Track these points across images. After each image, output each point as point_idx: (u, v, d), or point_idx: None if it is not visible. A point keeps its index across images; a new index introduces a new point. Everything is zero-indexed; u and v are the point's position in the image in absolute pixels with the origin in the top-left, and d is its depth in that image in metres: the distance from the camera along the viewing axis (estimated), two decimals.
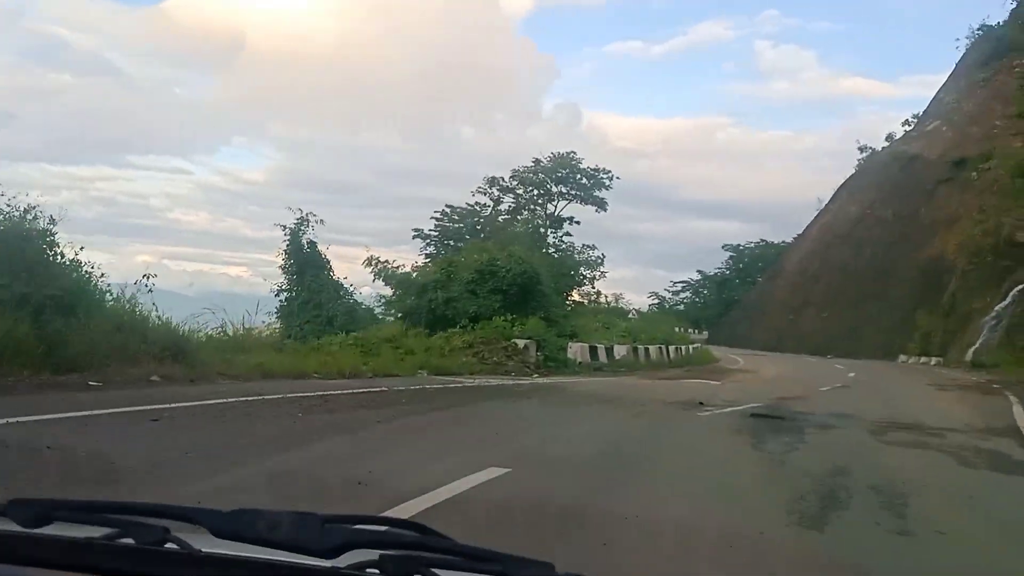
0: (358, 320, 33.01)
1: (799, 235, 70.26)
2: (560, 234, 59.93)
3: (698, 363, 28.57)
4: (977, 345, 42.55)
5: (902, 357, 45.35)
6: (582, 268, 61.25)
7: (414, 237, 55.34)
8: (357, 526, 1.21)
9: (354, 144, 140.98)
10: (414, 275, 40.26)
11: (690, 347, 31.47)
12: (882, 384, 21.66)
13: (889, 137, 67.32)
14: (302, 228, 33.27)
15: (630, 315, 54.69)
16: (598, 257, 61.09)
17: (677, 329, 56.73)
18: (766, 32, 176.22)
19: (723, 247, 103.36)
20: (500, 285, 38.42)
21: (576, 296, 59.88)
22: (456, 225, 58.27)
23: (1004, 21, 61.89)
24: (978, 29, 63.92)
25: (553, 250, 59.56)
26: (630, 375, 18.67)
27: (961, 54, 65.41)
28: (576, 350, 18.86)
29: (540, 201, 61.10)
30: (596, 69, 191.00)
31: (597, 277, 62.47)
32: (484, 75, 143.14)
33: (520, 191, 61.10)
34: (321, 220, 33.20)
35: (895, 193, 57.91)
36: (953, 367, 38.96)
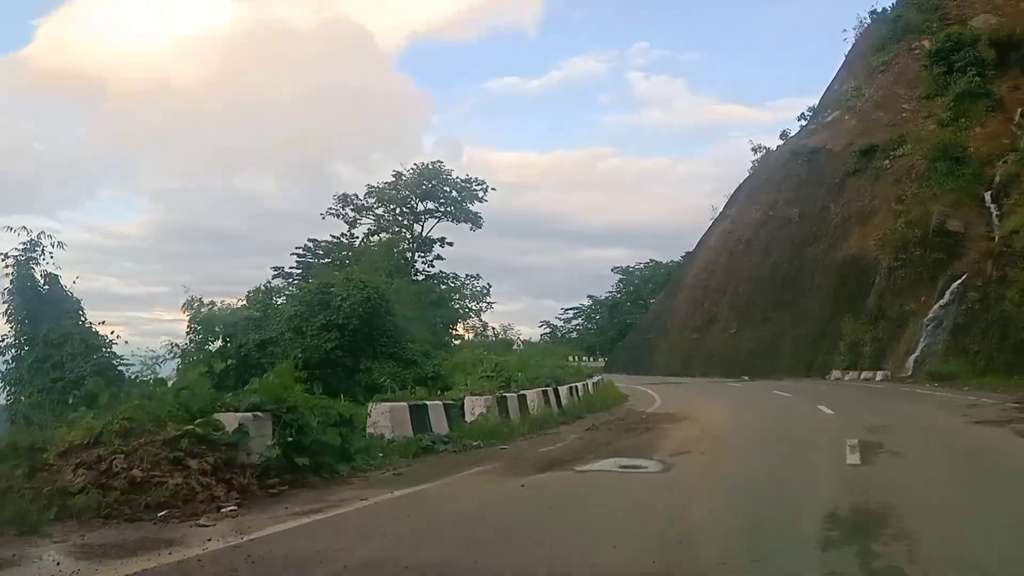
0: (119, 384, 22.48)
1: (698, 243, 63.89)
2: (430, 258, 51.20)
3: (602, 406, 20.37)
4: (917, 353, 36.20)
5: (835, 373, 38.55)
6: (467, 300, 53.16)
7: (274, 277, 45.59)
8: None
9: (231, 189, 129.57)
10: (224, 312, 30.70)
11: (588, 383, 23.11)
12: (940, 440, 12.77)
13: (784, 135, 62.12)
14: (33, 258, 23.40)
15: (515, 347, 46.58)
16: (483, 287, 52.85)
17: (571, 359, 48.96)
18: (638, 64, 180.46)
19: (612, 270, 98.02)
20: (335, 319, 29.41)
21: (461, 329, 51.68)
22: (322, 260, 48.58)
23: (895, 3, 57.90)
24: (869, 14, 59.71)
25: (422, 276, 50.77)
26: (480, 464, 9.59)
27: (850, 45, 61.15)
28: (384, 418, 10.02)
29: (404, 221, 52.23)
30: (476, 105, 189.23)
31: (484, 309, 54.45)
32: (360, 113, 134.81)
33: (380, 210, 52.09)
34: (61, 243, 23.44)
35: (799, 191, 52.07)
36: (909, 382, 32.24)
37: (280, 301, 31.24)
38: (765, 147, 63.10)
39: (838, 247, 45.68)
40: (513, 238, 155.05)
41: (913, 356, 36.18)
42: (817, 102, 60.48)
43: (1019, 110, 44.50)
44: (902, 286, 39.38)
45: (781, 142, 61.48)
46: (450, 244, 50.89)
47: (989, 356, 30.88)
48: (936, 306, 36.76)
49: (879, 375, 35.70)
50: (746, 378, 44.12)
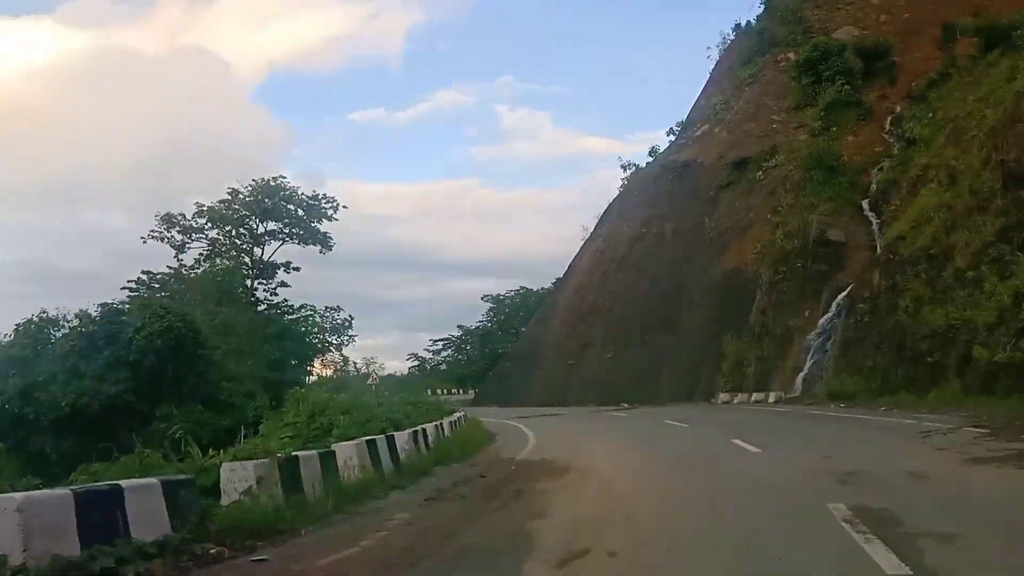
0: None
1: (569, 266, 60.57)
2: (273, 285, 45.20)
3: (460, 453, 15.76)
4: (806, 370, 33.49)
5: (723, 396, 35.35)
6: (326, 333, 47.38)
7: None
8: None
9: (82, 228, 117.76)
10: None
11: (443, 422, 18.37)
12: (966, 503, 7.93)
13: (653, 152, 59.96)
14: None
15: (370, 382, 41.44)
16: (344, 320, 47.22)
17: (436, 392, 44.12)
18: (504, 96, 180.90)
19: (483, 298, 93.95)
20: (124, 355, 23.43)
21: (319, 366, 45.91)
22: (160, 294, 41.62)
23: (759, 18, 57.06)
24: (733, 29, 58.71)
25: (264, 305, 44.72)
26: None
27: (715, 63, 59.95)
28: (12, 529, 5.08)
29: (243, 244, 46.03)
30: (342, 137, 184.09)
31: (345, 343, 48.79)
32: (215, 145, 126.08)
33: (214, 232, 45.68)
34: None
35: (672, 206, 49.55)
36: (808, 403, 29.17)
37: (61, 334, 24.98)
38: (635, 164, 60.80)
39: (716, 262, 43.08)
40: (384, 271, 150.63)
41: (802, 374, 33.44)
42: (685, 117, 58.70)
43: (889, 118, 43.55)
44: (785, 300, 36.85)
45: (651, 159, 59.28)
46: (296, 269, 45.21)
47: (887, 371, 28.23)
48: (823, 320, 34.27)
49: (771, 396, 32.69)
50: (626, 406, 40.59)
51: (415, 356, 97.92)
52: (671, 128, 59.82)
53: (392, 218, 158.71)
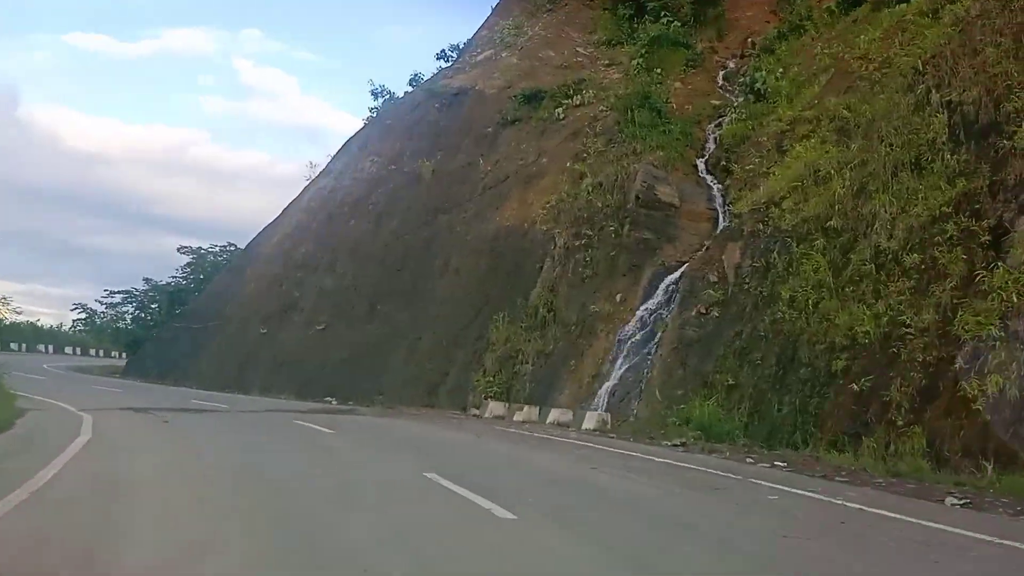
0: None
1: (285, 209, 45.66)
2: None
3: None
4: (615, 380, 22.26)
5: (494, 407, 23.00)
6: None
7: None
8: None
9: None
10: None
11: None
12: None
13: (415, 80, 46.76)
14: None
15: None
16: None
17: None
18: (248, 51, 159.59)
19: (179, 250, 71.12)
20: None
21: None
22: None
23: None
24: None
25: None
26: None
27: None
28: None
29: None
30: (51, 58, 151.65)
31: None
32: None
33: None
34: None
35: (435, 140, 37.10)
36: (642, 440, 17.52)
37: None
38: (390, 91, 47.37)
39: (489, 216, 31.11)
40: (83, 215, 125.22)
41: (608, 384, 22.18)
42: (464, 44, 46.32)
43: (721, 72, 34.49)
44: (587, 275, 25.69)
45: (411, 89, 46.16)
46: None
47: (761, 397, 17.71)
48: (643, 308, 23.43)
49: (560, 415, 20.96)
50: (334, 403, 27.34)
51: (82, 307, 75.26)
52: (442, 51, 47.08)
53: (101, 157, 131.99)
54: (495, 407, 21.94)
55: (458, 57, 44.41)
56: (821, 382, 16.48)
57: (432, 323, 29.51)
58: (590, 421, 18.14)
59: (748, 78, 30.42)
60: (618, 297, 24.48)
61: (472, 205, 32.33)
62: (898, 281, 16.28)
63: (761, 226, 21.19)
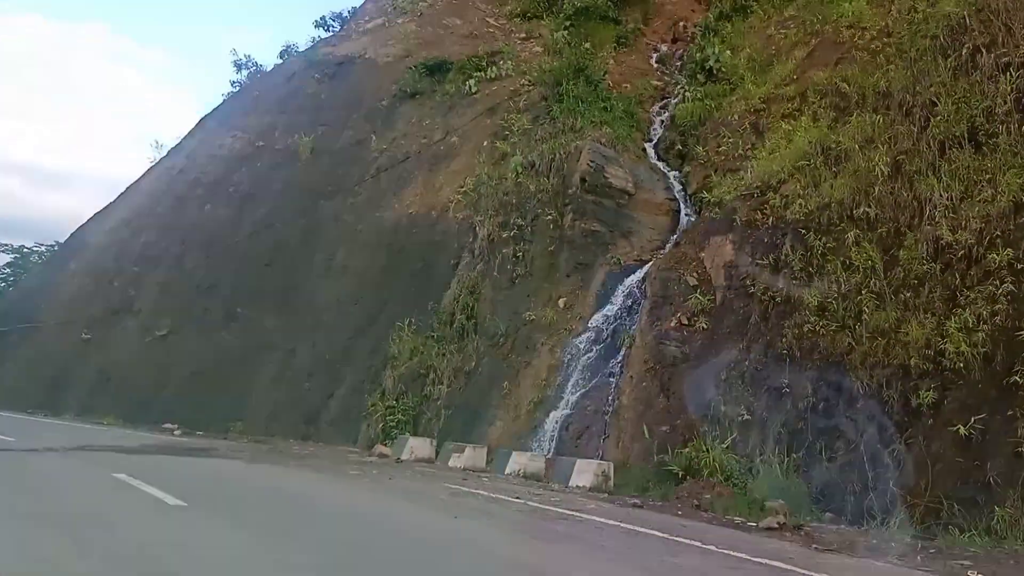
0: None
1: (122, 193, 37.72)
2: None
3: None
4: (566, 411, 16.89)
5: (381, 449, 17.00)
6: None
7: None
8: None
9: None
10: None
11: None
12: None
13: (287, 52, 40.04)
14: None
15: None
16: None
17: None
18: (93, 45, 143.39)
19: None
20: None
21: None
22: None
23: None
24: None
25: None
26: None
27: None
28: None
29: None
30: None
31: None
32: None
33: None
34: None
35: (316, 113, 30.86)
36: (678, 512, 12.09)
37: None
38: (256, 63, 40.47)
39: (384, 203, 25.26)
40: None
41: (555, 415, 16.81)
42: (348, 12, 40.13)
43: (655, 55, 30.22)
44: (520, 275, 20.35)
45: (281, 61, 39.49)
46: None
47: (799, 439, 12.90)
48: (597, 317, 18.29)
49: (478, 456, 15.35)
50: (177, 433, 20.61)
51: None
52: (322, 18, 40.59)
53: None
54: (418, 446, 15.94)
55: (342, 26, 38.17)
56: (895, 421, 11.90)
57: (311, 332, 23.23)
58: (582, 477, 12.55)
59: (697, 57, 26.17)
60: (562, 303, 19.27)
61: (363, 190, 26.34)
62: (983, 285, 12.08)
63: (759, 216, 16.61)
